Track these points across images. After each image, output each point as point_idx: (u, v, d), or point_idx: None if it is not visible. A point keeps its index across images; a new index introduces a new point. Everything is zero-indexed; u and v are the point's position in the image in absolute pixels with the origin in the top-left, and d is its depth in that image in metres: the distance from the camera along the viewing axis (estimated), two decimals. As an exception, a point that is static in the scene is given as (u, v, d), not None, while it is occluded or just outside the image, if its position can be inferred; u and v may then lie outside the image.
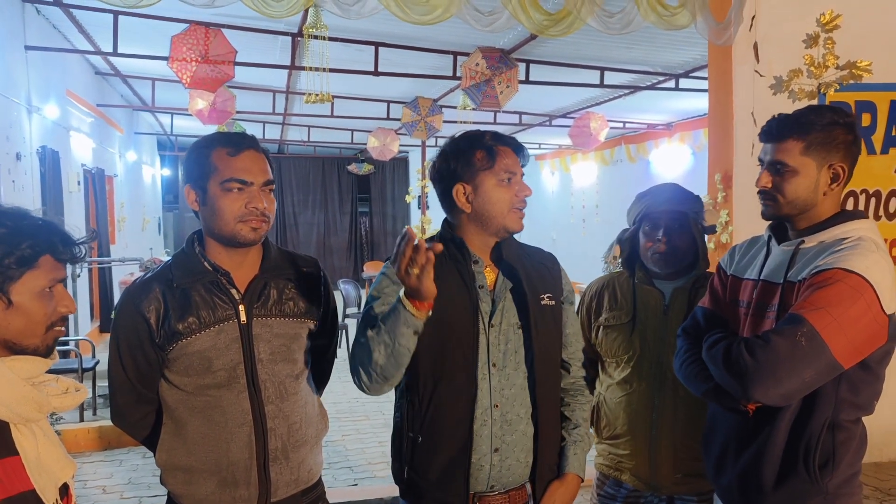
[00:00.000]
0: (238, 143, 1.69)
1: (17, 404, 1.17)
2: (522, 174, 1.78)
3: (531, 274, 1.80)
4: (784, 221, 1.75)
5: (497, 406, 1.74)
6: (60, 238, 1.25)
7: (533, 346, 1.75)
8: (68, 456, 1.29)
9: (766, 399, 1.53)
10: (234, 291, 1.71)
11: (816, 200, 1.68)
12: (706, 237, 2.31)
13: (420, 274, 1.48)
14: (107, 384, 5.47)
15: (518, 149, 1.78)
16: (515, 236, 1.85)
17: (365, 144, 11.36)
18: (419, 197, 11.84)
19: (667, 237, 2.16)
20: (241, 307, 1.71)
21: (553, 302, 1.82)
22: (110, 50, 6.22)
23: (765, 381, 1.50)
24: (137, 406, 1.77)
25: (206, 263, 1.72)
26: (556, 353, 1.84)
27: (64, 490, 1.27)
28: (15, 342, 1.21)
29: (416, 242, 1.47)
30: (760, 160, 1.75)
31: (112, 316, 5.77)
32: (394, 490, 4.16)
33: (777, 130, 1.68)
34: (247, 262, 1.75)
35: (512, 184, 1.74)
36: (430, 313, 1.58)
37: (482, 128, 1.86)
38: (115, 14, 5.80)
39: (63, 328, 1.29)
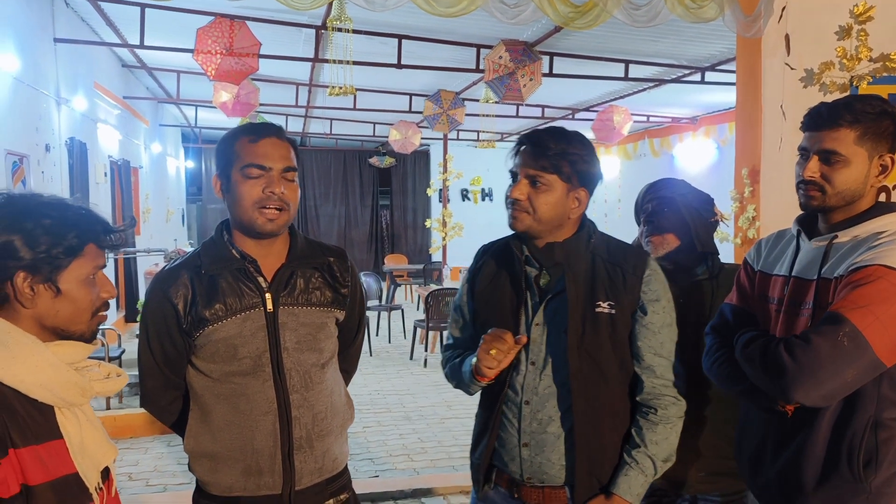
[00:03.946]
0: (260, 130, 1.71)
1: (61, 389, 1.19)
2: (527, 174, 1.70)
3: (594, 278, 1.72)
4: (820, 214, 1.69)
5: (527, 403, 1.74)
6: (102, 227, 1.28)
7: (568, 354, 1.69)
8: (110, 440, 1.32)
9: (807, 401, 1.49)
10: (261, 280, 1.72)
11: (864, 192, 1.62)
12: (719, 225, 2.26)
13: (496, 362, 1.68)
14: (134, 373, 5.60)
15: (519, 145, 1.76)
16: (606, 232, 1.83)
17: (387, 137, 11.38)
18: (440, 190, 11.83)
19: (651, 223, 2.14)
20: (267, 295, 1.71)
21: (613, 311, 1.70)
22: (137, 42, 6.29)
23: (806, 383, 1.46)
24: (165, 391, 1.79)
25: (234, 251, 1.73)
26: (606, 365, 1.72)
27: (105, 474, 1.29)
28: (63, 329, 1.24)
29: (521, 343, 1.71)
30: (804, 149, 1.67)
31: (138, 305, 5.85)
32: (413, 482, 4.21)
33: (828, 117, 1.61)
34: (274, 251, 1.76)
35: (515, 184, 1.73)
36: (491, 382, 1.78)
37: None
38: (142, 7, 5.87)
39: (106, 313, 1.32)
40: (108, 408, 5.39)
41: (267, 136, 1.70)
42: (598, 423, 1.72)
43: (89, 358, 1.30)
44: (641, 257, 1.77)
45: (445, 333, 7.76)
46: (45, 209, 1.22)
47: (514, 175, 1.74)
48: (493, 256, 1.87)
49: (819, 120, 1.63)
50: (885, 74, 3.62)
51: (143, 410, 5.57)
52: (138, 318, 5.59)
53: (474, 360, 1.74)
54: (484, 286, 1.85)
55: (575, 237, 1.75)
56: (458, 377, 1.87)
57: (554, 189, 1.69)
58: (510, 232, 1.84)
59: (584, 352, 1.70)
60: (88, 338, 1.28)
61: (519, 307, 1.76)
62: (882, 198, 3.83)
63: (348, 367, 1.99)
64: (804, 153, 1.67)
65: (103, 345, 5.56)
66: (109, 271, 7.75)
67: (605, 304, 1.71)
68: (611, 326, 1.71)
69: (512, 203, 1.72)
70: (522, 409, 1.74)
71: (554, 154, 1.68)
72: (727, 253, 3.54)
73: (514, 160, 1.74)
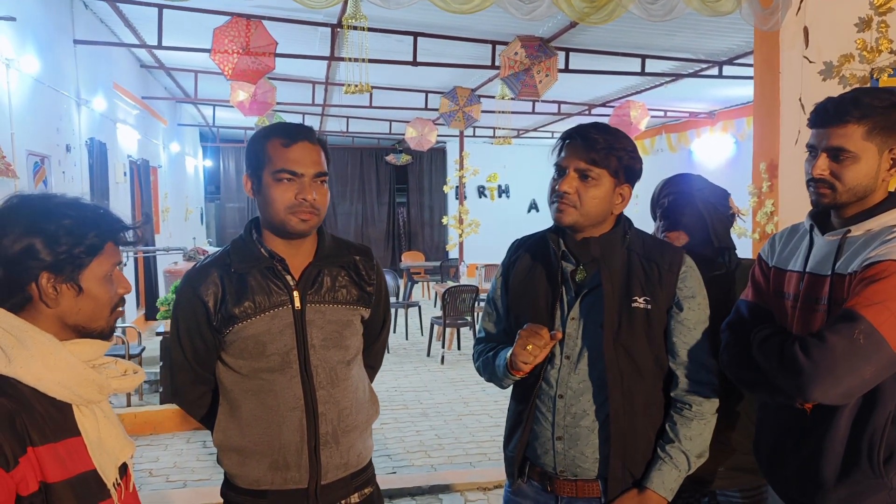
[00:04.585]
0: (293, 134, 1.73)
1: (78, 386, 1.21)
2: (576, 167, 1.70)
3: (630, 273, 1.74)
4: (832, 209, 1.68)
5: (561, 396, 1.75)
6: (119, 224, 1.30)
7: (604, 348, 1.70)
8: (127, 436, 1.33)
9: (826, 399, 1.48)
10: (289, 278, 1.75)
11: (875, 187, 1.60)
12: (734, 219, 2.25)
13: (532, 356, 1.69)
14: (153, 370, 5.57)
15: (566, 139, 1.76)
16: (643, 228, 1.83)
17: (403, 135, 11.38)
18: (457, 187, 11.83)
19: (667, 219, 2.13)
20: (295, 293, 1.75)
21: (649, 306, 1.72)
22: (155, 43, 6.35)
23: (823, 382, 1.45)
24: (195, 386, 1.83)
25: (262, 250, 1.76)
26: (641, 360, 1.73)
27: (123, 470, 1.31)
28: (84, 326, 1.26)
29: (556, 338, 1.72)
30: (812, 146, 1.65)
31: (157, 303, 5.85)
32: (430, 479, 4.22)
33: (835, 113, 1.58)
34: (302, 250, 1.79)
35: (562, 177, 1.72)
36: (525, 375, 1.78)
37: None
38: (160, 7, 5.92)
39: (123, 309, 1.35)
40: (129, 404, 5.46)
41: (299, 141, 1.71)
42: (632, 418, 1.73)
43: (106, 355, 1.32)
44: (677, 254, 1.78)
45: (464, 329, 7.66)
46: (63, 209, 1.24)
47: (560, 169, 1.73)
48: (528, 251, 1.88)
49: (826, 116, 1.60)
50: (906, 66, 3.56)
51: (163, 407, 5.64)
52: (158, 316, 5.65)
53: (509, 353, 1.75)
54: (519, 280, 1.86)
55: (611, 232, 1.76)
56: (490, 371, 1.87)
57: (602, 183, 1.70)
58: (527, 228, 1.84)
59: (619, 346, 1.71)
60: (108, 333, 1.30)
61: (555, 302, 1.77)
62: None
63: (373, 363, 2.03)
64: (812, 150, 1.65)
65: (124, 342, 5.64)
66: (129, 270, 7.85)
67: (640, 300, 1.72)
68: (646, 322, 1.72)
69: (559, 196, 1.71)
70: (556, 403, 1.75)
71: (603, 148, 1.69)
72: (745, 248, 3.50)
73: (560, 154, 1.74)
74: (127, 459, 1.32)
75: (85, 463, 1.21)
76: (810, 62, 3.78)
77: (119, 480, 1.28)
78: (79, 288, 1.23)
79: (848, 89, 3.56)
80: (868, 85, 3.60)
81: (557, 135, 1.80)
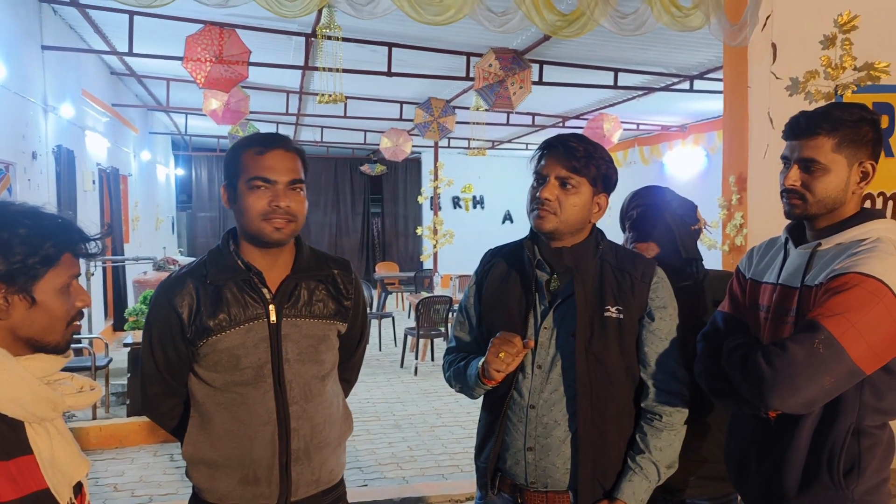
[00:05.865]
0: (268, 142, 1.71)
1: (31, 403, 1.17)
2: (557, 175, 1.72)
3: (603, 283, 1.75)
4: (804, 221, 1.71)
5: (533, 407, 1.74)
6: (78, 235, 1.26)
7: (576, 358, 1.70)
8: (82, 454, 1.29)
9: (785, 407, 1.50)
10: (265, 291, 1.73)
11: (845, 199, 1.64)
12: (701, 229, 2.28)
13: (504, 364, 1.68)
14: (121, 382, 5.43)
15: (546, 148, 1.77)
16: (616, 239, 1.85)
17: (377, 145, 11.38)
18: (431, 198, 11.84)
19: (636, 230, 2.16)
20: (271, 307, 1.72)
21: (621, 315, 1.73)
22: (126, 50, 6.28)
23: (783, 390, 1.47)
24: (166, 398, 1.79)
25: (239, 262, 1.73)
26: (613, 369, 1.73)
27: (77, 488, 1.27)
28: (38, 339, 1.22)
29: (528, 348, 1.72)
30: (785, 158, 1.69)
31: (125, 313, 5.73)
32: (402, 491, 4.19)
33: (806, 126, 1.63)
34: (279, 263, 1.77)
35: (543, 185, 1.73)
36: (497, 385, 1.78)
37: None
38: (131, 14, 5.85)
39: (80, 323, 1.31)
40: (94, 417, 5.33)
41: (273, 149, 1.70)
42: (602, 428, 1.73)
43: (71, 367, 1.28)
44: (649, 265, 1.80)
45: (438, 340, 7.61)
46: (19, 218, 1.20)
47: (541, 177, 1.75)
48: (503, 258, 1.88)
49: (797, 129, 1.65)
50: (869, 83, 3.65)
51: (129, 419, 5.51)
52: (126, 327, 5.55)
53: (481, 362, 1.75)
54: (493, 289, 1.86)
55: (585, 242, 1.78)
56: (462, 380, 1.86)
57: (582, 191, 1.73)
58: (501, 239, 1.84)
59: (591, 355, 1.71)
60: (63, 348, 1.26)
61: (528, 311, 1.77)
62: (878, 204, 3.86)
63: (349, 378, 2.00)
64: (786, 161, 1.69)
65: (89, 354, 5.52)
66: (98, 279, 7.70)
67: (613, 309, 1.73)
68: (619, 331, 1.73)
69: (540, 203, 1.73)
70: (528, 414, 1.75)
71: (583, 157, 1.71)
72: (715, 260, 3.55)
73: (541, 162, 1.76)
74: (82, 478, 1.28)
75: (38, 482, 1.17)
76: (777, 78, 3.86)
77: (73, 500, 1.24)
78: (32, 299, 1.19)
79: (813, 105, 3.65)
80: (832, 100, 3.68)
81: (532, 146, 1.82)
